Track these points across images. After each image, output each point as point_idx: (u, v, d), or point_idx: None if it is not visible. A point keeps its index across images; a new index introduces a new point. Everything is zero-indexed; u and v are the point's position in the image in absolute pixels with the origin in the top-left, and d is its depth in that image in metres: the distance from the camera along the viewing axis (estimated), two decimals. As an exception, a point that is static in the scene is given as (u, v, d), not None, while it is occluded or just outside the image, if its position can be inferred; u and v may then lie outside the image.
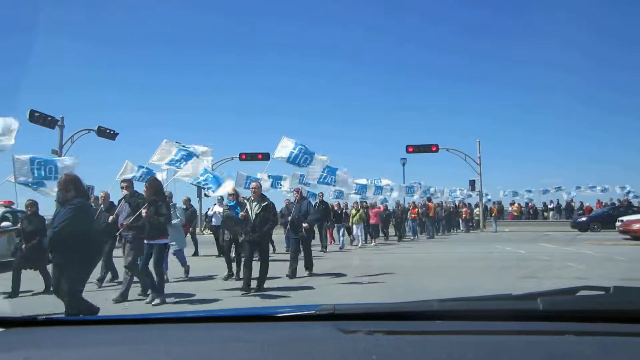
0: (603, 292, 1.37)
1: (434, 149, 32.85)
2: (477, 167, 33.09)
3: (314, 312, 1.40)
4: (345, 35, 76.37)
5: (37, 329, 1.46)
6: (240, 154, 32.51)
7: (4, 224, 12.07)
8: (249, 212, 8.55)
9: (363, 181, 22.07)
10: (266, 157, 29.43)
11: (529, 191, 37.94)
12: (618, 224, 21.05)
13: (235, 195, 10.32)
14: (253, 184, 9.10)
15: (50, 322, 1.49)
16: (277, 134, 67.36)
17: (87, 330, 1.47)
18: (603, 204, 34.98)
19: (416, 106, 74.81)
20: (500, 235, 25.31)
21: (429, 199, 26.38)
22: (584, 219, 28.29)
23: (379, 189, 23.20)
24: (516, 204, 36.29)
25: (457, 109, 74.53)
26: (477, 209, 31.31)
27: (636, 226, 19.31)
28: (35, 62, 52.09)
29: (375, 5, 77.70)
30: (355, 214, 18.83)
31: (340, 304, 1.43)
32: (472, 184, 33.45)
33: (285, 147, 10.78)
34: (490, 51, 72.97)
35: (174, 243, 9.54)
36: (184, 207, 14.83)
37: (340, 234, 18.37)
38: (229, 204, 10.13)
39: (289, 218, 11.01)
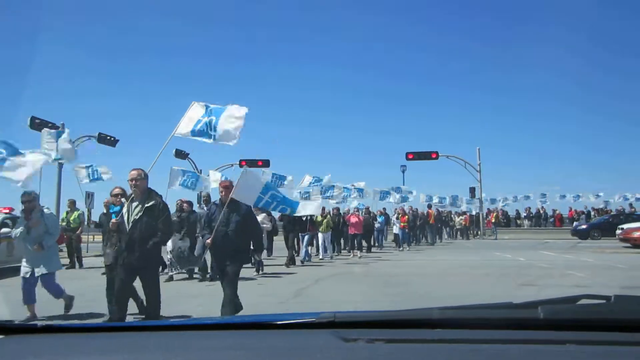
0: (604, 301, 1.37)
1: (433, 156, 32.91)
2: (477, 174, 33.16)
3: (314, 320, 1.40)
4: (345, 41, 76.70)
5: (36, 336, 1.46)
6: (241, 161, 32.52)
7: (4, 230, 12.05)
8: (125, 217, 5.54)
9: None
10: (266, 163, 29.46)
11: (506, 199, 37.85)
12: (618, 231, 21.05)
13: (122, 195, 6.84)
14: (132, 173, 5.61)
15: (49, 329, 1.49)
16: (277, 141, 67.68)
17: (87, 337, 1.47)
18: (577, 212, 35.28)
19: (416, 113, 74.99)
20: (500, 242, 25.28)
21: (429, 206, 26.37)
22: (584, 226, 28.27)
23: (348, 190, 21.17)
24: (493, 213, 36.12)
25: (458, 116, 74.68)
26: (460, 217, 30.77)
27: (636, 234, 19.28)
28: (36, 69, 52.25)
29: (376, 11, 78.07)
30: (322, 221, 16.34)
31: (341, 312, 1.42)
32: (472, 191, 33.48)
33: (191, 119, 7.25)
34: (490, 57, 73.22)
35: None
36: (68, 209, 12.93)
37: (304, 244, 15.58)
38: (112, 210, 7.11)
39: (208, 237, 6.41)
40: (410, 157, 33.25)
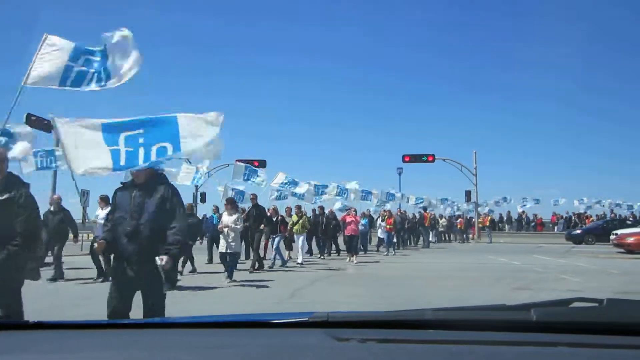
0: (597, 304, 1.38)
1: (430, 159, 33.00)
2: (473, 177, 33.25)
3: (307, 319, 1.40)
4: (342, 42, 76.73)
5: (28, 332, 1.45)
6: (236, 160, 32.44)
7: None
8: None
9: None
10: (262, 164, 29.34)
11: (486, 204, 37.91)
12: (612, 237, 21.16)
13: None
14: None
15: (41, 325, 1.48)
16: (273, 140, 67.56)
17: (79, 334, 1.46)
18: (559, 217, 35.69)
19: (414, 115, 75.17)
20: (495, 246, 25.33)
21: (425, 209, 26.38)
22: (578, 231, 28.43)
23: (322, 187, 18.86)
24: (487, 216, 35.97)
25: (455, 117, 75.01)
26: (443, 219, 29.79)
27: (630, 240, 19.41)
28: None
29: (374, 11, 78.22)
30: (297, 222, 14.68)
31: (334, 312, 1.42)
32: (468, 194, 33.56)
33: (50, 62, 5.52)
34: (487, 60, 73.44)
35: None
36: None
37: (274, 247, 13.81)
38: None
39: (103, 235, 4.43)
40: (407, 159, 33.33)
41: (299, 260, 14.37)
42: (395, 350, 1.16)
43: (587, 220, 33.61)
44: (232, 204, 10.77)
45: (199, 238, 12.77)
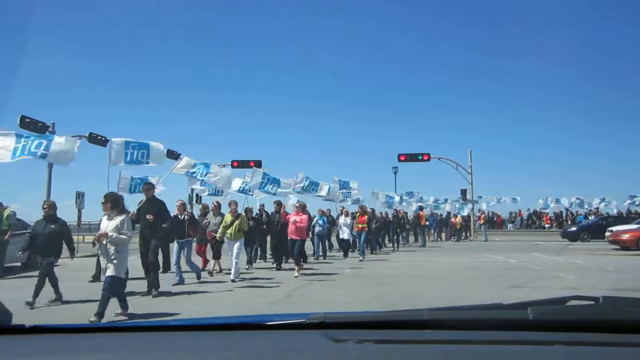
0: (593, 302, 1.38)
1: (425, 157, 33.00)
2: (469, 176, 33.35)
3: (304, 320, 1.39)
4: (338, 41, 76.74)
5: (24, 336, 1.44)
6: (232, 162, 32.52)
7: None
8: None
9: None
10: (258, 164, 29.38)
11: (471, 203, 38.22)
12: (607, 234, 21.27)
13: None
14: None
15: (37, 329, 1.47)
16: (270, 142, 67.58)
17: (76, 337, 1.45)
18: (510, 214, 38.39)
19: (410, 115, 75.26)
20: (491, 244, 25.39)
21: (421, 208, 26.37)
22: (574, 229, 28.57)
23: (275, 181, 14.86)
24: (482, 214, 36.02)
25: (451, 120, 75.21)
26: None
27: (625, 236, 19.52)
28: (27, 67, 51.83)
29: (372, 13, 78.23)
30: (232, 223, 10.77)
31: (331, 313, 1.42)
32: (464, 193, 33.67)
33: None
34: (484, 62, 73.67)
35: None
36: None
37: (175, 256, 10.44)
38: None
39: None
40: (402, 158, 33.32)
41: (233, 276, 10.42)
42: (393, 351, 1.16)
43: (544, 218, 35.81)
44: (113, 202, 7.02)
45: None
